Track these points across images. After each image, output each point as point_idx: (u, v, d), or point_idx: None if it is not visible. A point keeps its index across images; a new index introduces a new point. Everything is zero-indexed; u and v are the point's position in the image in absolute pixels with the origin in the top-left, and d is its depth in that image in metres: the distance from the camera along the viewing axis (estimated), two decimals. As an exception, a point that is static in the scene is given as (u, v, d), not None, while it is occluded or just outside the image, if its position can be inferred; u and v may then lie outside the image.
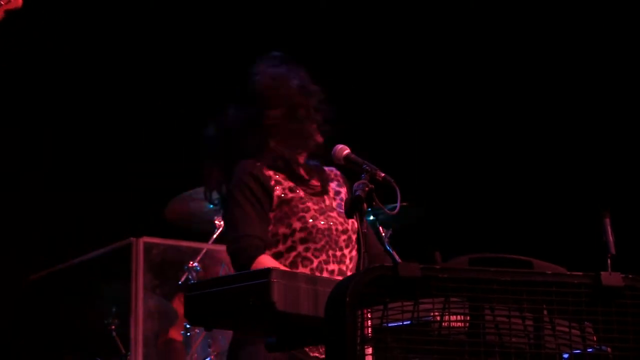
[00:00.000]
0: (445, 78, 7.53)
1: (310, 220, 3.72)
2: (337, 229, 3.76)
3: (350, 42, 7.50)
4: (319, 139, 3.86)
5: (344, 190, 3.93)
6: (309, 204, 3.76)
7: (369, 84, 7.46)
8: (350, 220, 3.80)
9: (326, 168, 3.96)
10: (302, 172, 3.86)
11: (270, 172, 3.77)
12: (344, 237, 3.77)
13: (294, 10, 7.38)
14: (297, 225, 3.71)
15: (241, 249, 3.63)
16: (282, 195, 3.75)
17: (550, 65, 7.35)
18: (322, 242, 3.72)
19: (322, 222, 3.73)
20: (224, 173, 3.85)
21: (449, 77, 7.52)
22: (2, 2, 4.09)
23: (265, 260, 3.60)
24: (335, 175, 3.97)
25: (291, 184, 3.79)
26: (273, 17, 7.38)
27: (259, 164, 3.77)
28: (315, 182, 3.89)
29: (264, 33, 7.36)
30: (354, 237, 3.80)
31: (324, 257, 3.72)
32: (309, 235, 3.70)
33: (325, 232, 3.72)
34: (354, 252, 3.80)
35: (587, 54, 7.24)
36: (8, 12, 4.14)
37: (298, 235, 3.71)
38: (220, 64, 7.35)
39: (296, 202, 3.74)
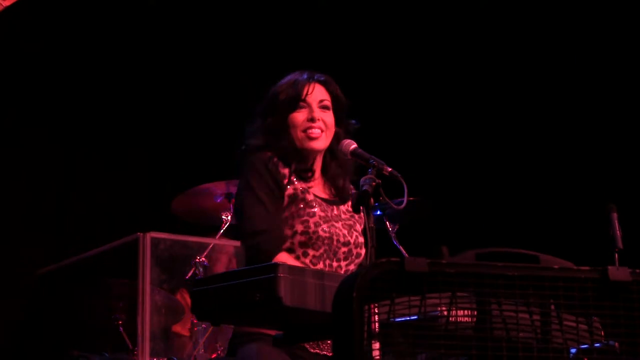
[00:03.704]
0: (452, 73, 7.52)
1: (313, 226, 3.70)
2: (338, 240, 3.73)
3: (357, 38, 7.49)
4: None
5: (359, 216, 3.86)
6: (316, 209, 3.74)
7: (376, 79, 7.46)
8: (354, 234, 3.79)
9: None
10: (318, 172, 3.85)
11: (286, 170, 3.76)
12: (344, 249, 3.75)
13: (297, 10, 7.38)
14: (298, 228, 3.69)
15: (259, 246, 3.62)
16: (293, 194, 3.73)
17: (556, 61, 7.34)
18: (321, 250, 3.70)
19: (324, 230, 3.71)
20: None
21: (456, 72, 7.52)
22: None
23: (284, 260, 3.59)
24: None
25: (304, 185, 3.77)
26: (274, 17, 7.38)
27: (275, 159, 3.76)
28: (327, 191, 3.87)
29: (265, 34, 7.37)
30: (355, 251, 3.77)
31: (320, 265, 3.69)
32: (309, 240, 3.68)
33: (326, 241, 3.70)
34: (351, 267, 3.76)
35: (593, 49, 7.22)
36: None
37: (298, 239, 3.68)
38: (227, 60, 7.36)
39: (303, 205, 3.72)
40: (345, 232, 3.77)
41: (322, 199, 3.82)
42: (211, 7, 7.30)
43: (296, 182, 3.76)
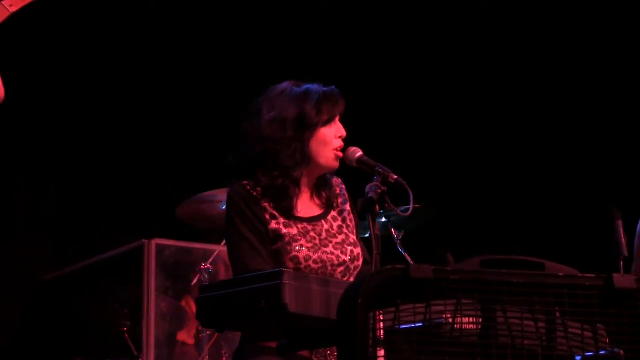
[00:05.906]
0: (457, 80, 7.52)
1: (303, 261, 3.65)
2: (332, 264, 3.69)
3: (359, 41, 7.49)
4: (328, 161, 3.78)
5: (347, 206, 3.86)
6: (302, 242, 3.68)
7: (381, 85, 7.46)
8: (347, 250, 3.74)
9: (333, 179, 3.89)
10: (298, 201, 3.76)
11: (265, 204, 3.70)
12: (340, 269, 3.71)
13: (298, 11, 7.38)
14: (289, 264, 3.64)
15: None
16: (277, 229, 3.68)
17: (560, 66, 7.34)
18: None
19: (315, 261, 3.66)
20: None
21: (461, 79, 7.52)
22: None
23: None
24: (341, 189, 3.89)
25: (285, 219, 3.71)
26: (275, 17, 7.38)
27: (253, 192, 3.70)
28: (314, 205, 3.82)
29: (267, 35, 7.37)
30: (351, 266, 3.73)
31: None
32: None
33: (319, 270, 3.66)
34: (350, 279, 3.72)
35: (597, 53, 7.22)
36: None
37: None
38: (234, 67, 7.36)
39: (289, 239, 3.67)
40: (338, 252, 3.72)
41: (307, 219, 3.76)
42: (214, 8, 7.31)
43: (278, 216, 3.70)
